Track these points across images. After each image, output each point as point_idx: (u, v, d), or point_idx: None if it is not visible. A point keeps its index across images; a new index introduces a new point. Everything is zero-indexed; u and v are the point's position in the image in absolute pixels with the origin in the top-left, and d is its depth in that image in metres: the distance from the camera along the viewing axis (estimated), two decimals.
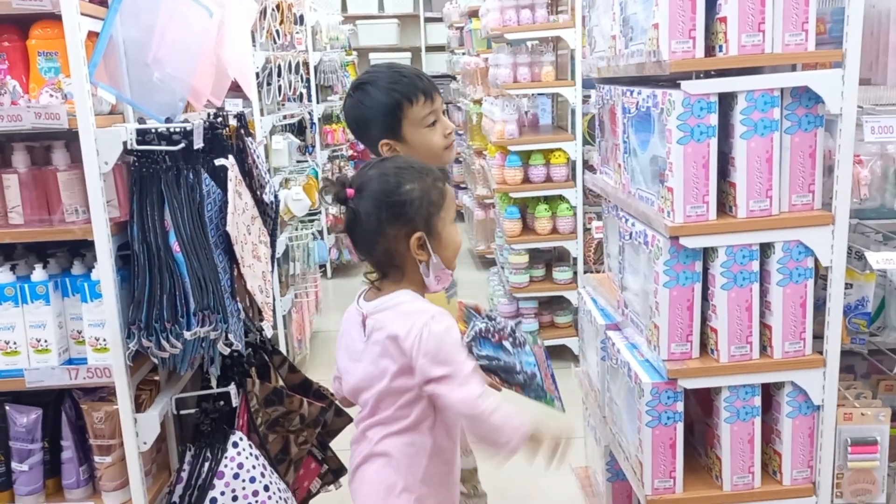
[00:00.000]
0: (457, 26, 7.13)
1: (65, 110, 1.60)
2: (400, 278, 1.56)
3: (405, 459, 1.55)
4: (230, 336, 1.67)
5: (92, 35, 1.69)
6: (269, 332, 2.20)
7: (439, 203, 1.53)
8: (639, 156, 1.91)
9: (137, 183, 1.70)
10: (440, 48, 8.73)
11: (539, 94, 4.47)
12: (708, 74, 1.69)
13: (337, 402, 1.95)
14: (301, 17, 4.41)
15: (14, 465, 1.80)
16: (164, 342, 1.63)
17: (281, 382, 2.38)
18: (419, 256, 1.52)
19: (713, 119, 1.65)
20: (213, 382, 2.22)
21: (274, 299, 3.95)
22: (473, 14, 5.40)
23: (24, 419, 1.79)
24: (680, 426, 1.81)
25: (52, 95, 1.61)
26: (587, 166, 3.79)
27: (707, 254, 1.75)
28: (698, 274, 1.75)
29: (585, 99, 3.86)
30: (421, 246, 1.51)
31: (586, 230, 3.98)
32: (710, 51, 1.68)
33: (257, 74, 3.70)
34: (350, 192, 1.50)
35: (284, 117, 4.15)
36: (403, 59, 8.77)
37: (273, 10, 3.62)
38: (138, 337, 1.63)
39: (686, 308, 1.76)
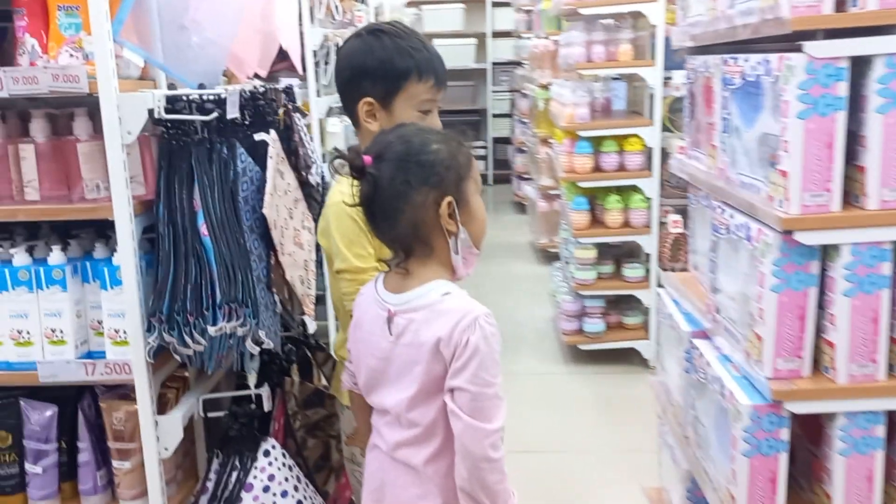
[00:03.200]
0: (525, 9, 6.86)
1: (85, 72, 1.41)
2: (428, 255, 1.37)
3: (440, 479, 1.36)
4: (261, 333, 1.46)
5: None
6: (312, 327, 1.99)
7: (467, 167, 1.37)
8: (742, 135, 1.63)
9: (166, 157, 1.50)
10: (507, 34, 8.46)
11: (613, 79, 4.17)
12: (836, 35, 1.39)
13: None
14: None
15: (28, 465, 1.64)
16: (186, 337, 1.43)
17: (324, 382, 2.18)
18: (449, 226, 1.35)
19: (843, 89, 1.36)
20: (251, 381, 2.03)
21: (324, 290, 3.78)
22: None
23: (39, 416, 1.62)
24: (784, 457, 1.54)
25: (72, 55, 1.42)
26: (666, 154, 3.48)
27: (827, 253, 1.46)
28: (815, 276, 1.47)
29: (666, 82, 3.55)
30: (451, 214, 1.34)
31: (662, 224, 3.67)
32: (840, 5, 1.39)
33: (314, 53, 3.51)
34: (367, 158, 1.32)
35: None
36: (468, 45, 8.54)
37: None
38: (159, 330, 1.44)
39: (798, 317, 1.48)
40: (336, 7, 3.52)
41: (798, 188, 1.41)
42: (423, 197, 1.33)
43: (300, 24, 3.38)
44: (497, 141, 8.88)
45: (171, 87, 1.50)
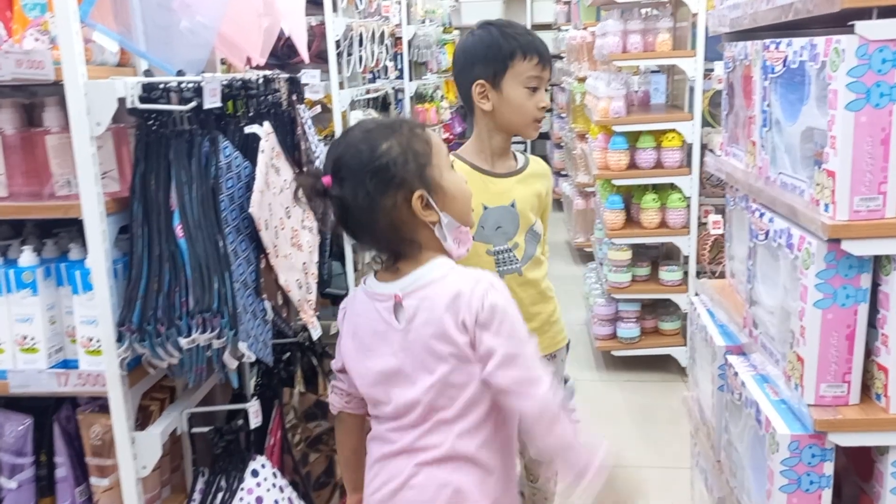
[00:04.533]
0: (564, 1, 6.65)
1: (50, 57, 1.30)
2: (418, 252, 1.32)
3: (479, 474, 1.32)
4: (241, 345, 1.33)
5: None
6: (316, 333, 1.85)
7: (427, 152, 1.31)
8: (784, 129, 1.44)
9: (142, 150, 1.38)
10: (546, 26, 8.25)
11: (653, 72, 3.96)
12: (892, 13, 1.20)
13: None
14: None
15: (2, 480, 1.54)
16: (158, 349, 1.31)
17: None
18: (428, 217, 1.30)
19: None
20: (250, 390, 1.91)
21: (347, 290, 3.66)
22: None
23: (13, 428, 1.52)
24: (827, 494, 1.37)
25: (37, 39, 1.31)
26: (706, 151, 3.27)
27: (880, 264, 1.28)
28: (865, 291, 1.29)
29: (707, 74, 3.34)
30: (426, 205, 1.29)
31: (701, 225, 3.45)
32: None
33: (337, 43, 3.38)
34: (326, 180, 1.29)
35: (368, 91, 3.82)
36: None
37: None
38: (129, 341, 1.32)
39: (845, 337, 1.31)
40: None
41: (847, 191, 1.23)
42: (391, 201, 1.28)
43: (322, 13, 3.27)
44: None
45: (146, 72, 1.38)
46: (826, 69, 1.23)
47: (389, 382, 1.33)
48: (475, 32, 1.81)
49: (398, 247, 1.32)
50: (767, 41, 1.48)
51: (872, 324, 1.31)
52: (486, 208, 1.78)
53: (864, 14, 1.19)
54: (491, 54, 1.74)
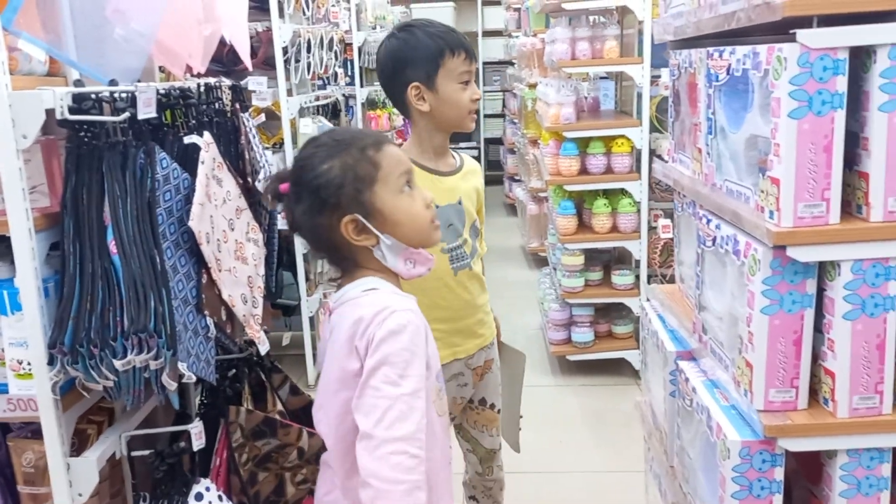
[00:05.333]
0: (514, 7, 6.69)
1: None
2: (354, 269, 1.34)
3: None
4: (181, 365, 1.28)
5: None
6: (263, 347, 1.80)
7: (371, 175, 1.28)
8: (729, 137, 1.45)
9: (74, 163, 1.32)
10: (497, 33, 8.29)
11: (601, 78, 3.99)
12: (833, 22, 1.22)
13: None
14: None
15: None
16: (93, 371, 1.25)
17: (280, 407, 1.99)
18: (363, 242, 1.29)
19: (841, 84, 1.19)
20: (194, 409, 1.85)
21: (299, 300, 3.60)
22: None
23: None
24: (778, 499, 1.37)
25: None
26: (654, 156, 3.30)
27: (825, 270, 1.29)
28: (811, 297, 1.30)
29: (654, 80, 3.38)
30: (361, 230, 1.28)
31: (651, 229, 3.49)
32: None
33: (285, 50, 3.33)
34: (284, 187, 1.31)
35: (317, 98, 3.77)
36: None
37: None
38: (62, 363, 1.26)
39: (792, 342, 1.32)
40: (307, 2, 3.33)
41: (791, 197, 1.23)
42: (326, 220, 1.28)
43: (268, 19, 3.21)
44: (489, 141, 8.71)
45: (77, 82, 1.32)
46: (769, 77, 1.24)
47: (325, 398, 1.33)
48: (397, 36, 1.83)
49: (338, 262, 1.35)
50: (711, 49, 1.49)
51: (819, 328, 1.32)
52: (437, 207, 1.78)
53: (805, 23, 1.20)
54: (421, 56, 1.77)
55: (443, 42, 1.78)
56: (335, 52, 3.78)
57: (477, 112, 1.87)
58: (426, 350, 1.26)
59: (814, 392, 1.36)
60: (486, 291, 2.00)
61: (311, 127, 3.47)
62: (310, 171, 1.27)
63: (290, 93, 3.38)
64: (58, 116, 1.28)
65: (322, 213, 1.27)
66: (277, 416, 1.90)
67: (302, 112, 3.53)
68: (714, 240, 1.51)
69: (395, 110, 5.85)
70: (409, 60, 1.78)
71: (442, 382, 1.40)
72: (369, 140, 1.32)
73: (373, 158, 1.30)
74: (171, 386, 1.28)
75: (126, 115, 1.30)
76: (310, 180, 1.27)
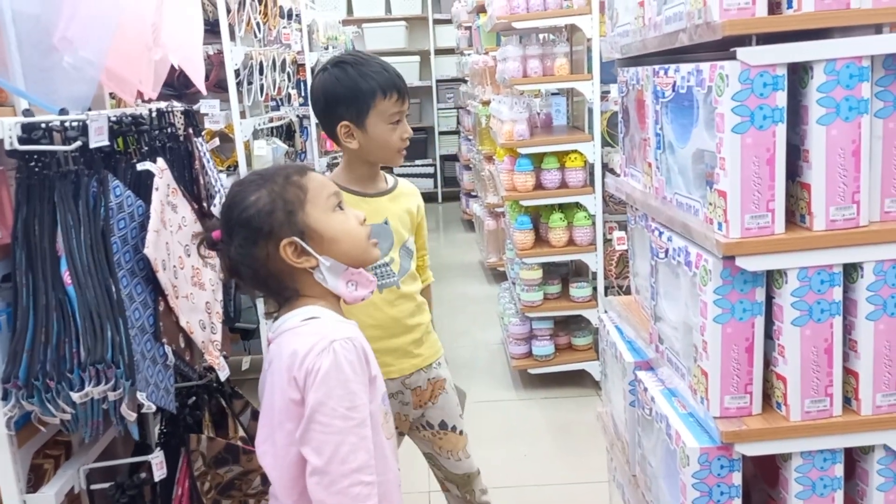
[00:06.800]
0: (465, 26, 6.76)
1: None
2: (296, 298, 1.33)
3: None
4: (140, 395, 1.26)
5: None
6: (223, 374, 1.79)
7: (299, 198, 1.30)
8: (677, 151, 1.49)
9: (24, 194, 1.30)
10: (450, 51, 8.37)
11: (553, 94, 4.06)
12: (771, 40, 1.27)
13: None
14: (290, 11, 4.02)
15: None
16: (49, 405, 1.22)
17: (242, 433, 1.98)
18: (303, 264, 1.29)
19: (781, 99, 1.23)
20: (155, 439, 1.82)
21: (258, 323, 3.55)
22: (482, 10, 5.00)
23: None
24: (737, 503, 1.39)
25: None
26: (607, 170, 3.37)
27: (772, 278, 1.33)
28: (760, 305, 1.34)
29: (604, 96, 3.45)
30: (300, 252, 1.28)
31: (607, 241, 3.55)
32: (775, 7, 1.26)
33: (237, 72, 3.31)
34: (216, 234, 1.32)
35: (271, 119, 3.76)
36: (412, 62, 8.42)
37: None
38: (16, 397, 1.23)
39: (745, 349, 1.35)
40: (258, 24, 3.33)
41: (737, 209, 1.27)
42: (263, 251, 1.28)
43: (219, 42, 3.20)
44: (445, 158, 8.77)
45: (26, 112, 1.30)
46: (712, 94, 1.28)
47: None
48: (330, 71, 1.82)
49: (281, 294, 1.33)
50: (657, 67, 1.53)
51: (770, 335, 1.37)
52: None
53: (745, 41, 1.25)
54: (352, 96, 1.77)
55: (375, 83, 1.77)
56: (288, 74, 3.78)
57: (407, 148, 1.87)
58: (369, 374, 1.28)
59: (767, 397, 1.40)
60: (424, 313, 2.00)
61: (265, 149, 3.46)
62: (238, 206, 1.28)
63: (243, 115, 3.36)
64: (7, 147, 1.26)
65: (257, 244, 1.27)
66: (239, 443, 1.88)
67: (256, 134, 3.51)
68: (667, 252, 1.55)
69: None
70: (341, 98, 1.78)
71: (387, 405, 1.41)
72: (292, 169, 1.34)
73: (298, 182, 1.31)
74: (131, 417, 1.26)
75: (77, 143, 1.28)
76: (239, 214, 1.27)
